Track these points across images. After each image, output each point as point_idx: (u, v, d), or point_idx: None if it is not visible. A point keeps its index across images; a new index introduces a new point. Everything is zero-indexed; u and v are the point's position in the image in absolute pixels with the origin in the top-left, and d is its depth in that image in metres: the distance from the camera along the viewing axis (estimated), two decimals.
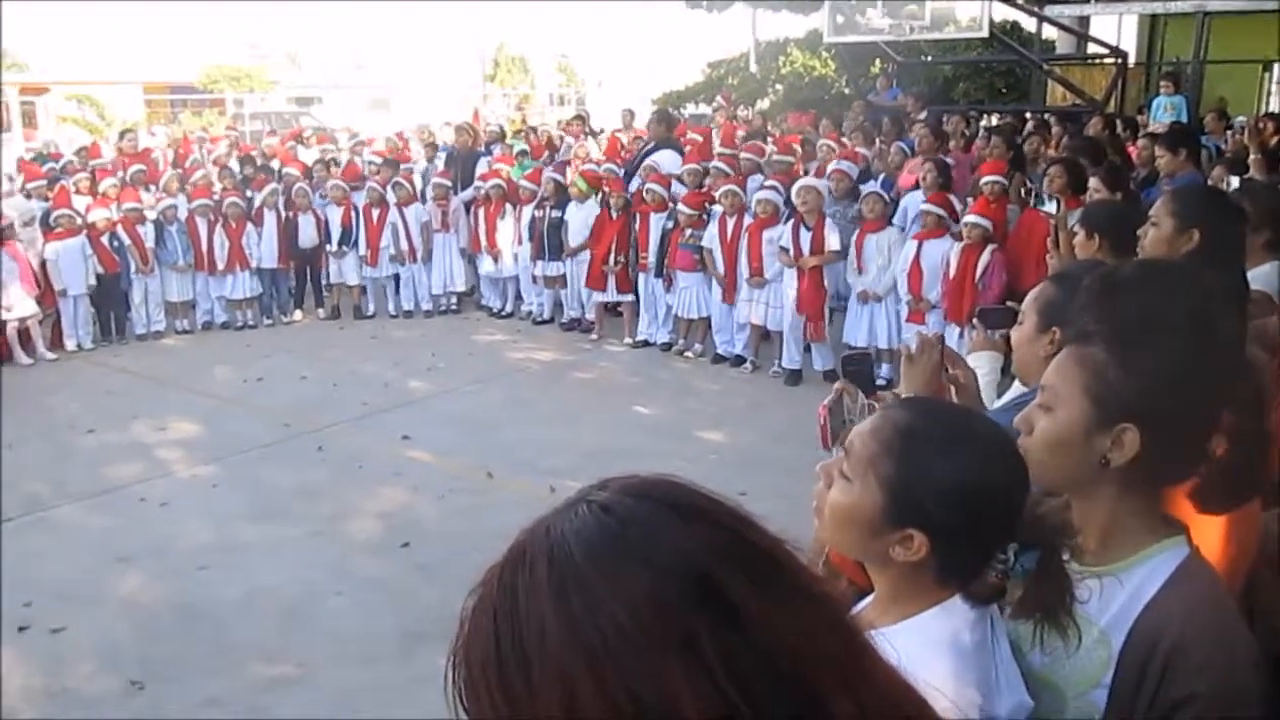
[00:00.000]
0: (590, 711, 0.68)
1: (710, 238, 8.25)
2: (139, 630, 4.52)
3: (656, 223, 8.72)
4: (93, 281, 9.07)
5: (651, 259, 8.76)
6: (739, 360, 8.38)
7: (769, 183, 8.34)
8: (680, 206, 8.44)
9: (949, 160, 8.59)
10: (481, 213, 9.96)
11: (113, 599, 4.80)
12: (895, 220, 7.93)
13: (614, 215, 8.99)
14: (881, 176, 8.78)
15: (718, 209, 8.30)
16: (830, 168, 8.39)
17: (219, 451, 6.65)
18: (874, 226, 7.63)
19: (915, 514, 1.29)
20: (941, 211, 7.29)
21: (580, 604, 0.71)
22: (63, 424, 7.25)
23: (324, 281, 10.39)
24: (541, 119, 20.52)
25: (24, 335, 8.76)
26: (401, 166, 10.62)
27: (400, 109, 28.94)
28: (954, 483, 1.28)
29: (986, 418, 1.56)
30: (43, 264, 8.80)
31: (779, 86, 19.94)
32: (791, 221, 7.76)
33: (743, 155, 9.24)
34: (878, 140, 10.19)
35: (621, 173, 9.46)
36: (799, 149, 9.69)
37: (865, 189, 8.32)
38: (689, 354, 8.69)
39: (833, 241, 7.63)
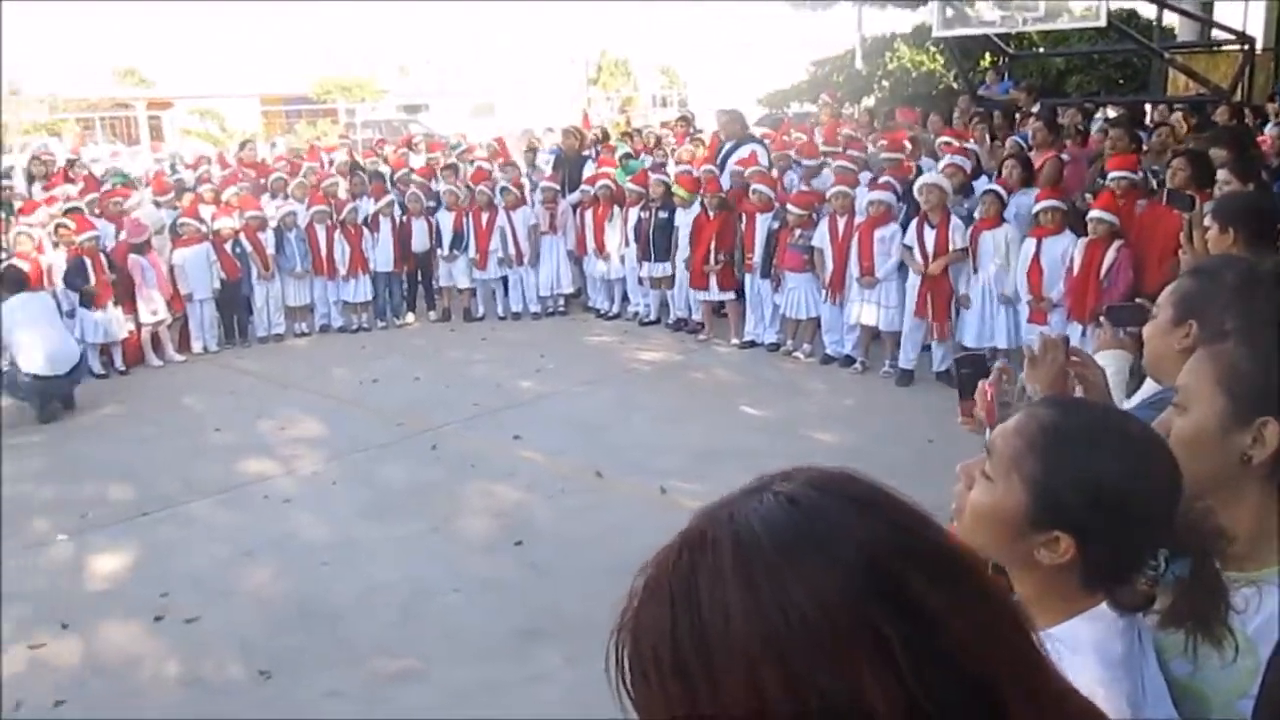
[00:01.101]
0: (777, 702, 0.68)
1: (821, 237, 8.17)
2: (265, 622, 4.68)
3: (762, 223, 8.67)
4: (217, 286, 9.45)
5: (757, 259, 8.72)
6: (848, 360, 8.28)
7: (883, 179, 8.23)
8: (790, 207, 8.37)
9: (1064, 155, 8.36)
10: (589, 215, 10.06)
11: (241, 591, 4.98)
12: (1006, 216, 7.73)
13: (710, 215, 8.99)
14: (995, 173, 8.56)
15: (827, 208, 8.23)
16: (943, 163, 8.21)
17: (337, 450, 6.85)
18: (989, 224, 7.44)
19: (1061, 515, 1.26)
20: (1064, 206, 7.08)
21: (768, 593, 0.70)
22: (193, 423, 7.56)
23: (435, 285, 10.62)
24: (645, 121, 20.58)
25: (155, 339, 9.17)
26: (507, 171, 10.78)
27: (505, 114, 29.39)
28: (1103, 483, 1.24)
29: (1136, 416, 1.51)
30: (170, 270, 9.20)
31: (885, 83, 19.62)
32: (915, 220, 7.64)
33: (849, 153, 9.14)
34: (987, 136, 9.97)
35: (718, 173, 9.47)
36: (909, 145, 9.52)
37: (977, 185, 8.14)
38: (798, 354, 8.61)
39: (958, 239, 7.48)
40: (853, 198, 8.11)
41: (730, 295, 9.11)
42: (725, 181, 9.32)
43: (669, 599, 0.73)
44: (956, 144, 9.17)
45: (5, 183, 10.20)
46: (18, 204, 9.77)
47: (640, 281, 9.91)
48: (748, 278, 8.93)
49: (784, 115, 18.39)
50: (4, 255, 8.56)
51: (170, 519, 5.87)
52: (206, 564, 5.26)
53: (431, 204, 10.46)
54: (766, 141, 10.24)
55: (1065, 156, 8.42)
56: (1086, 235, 6.85)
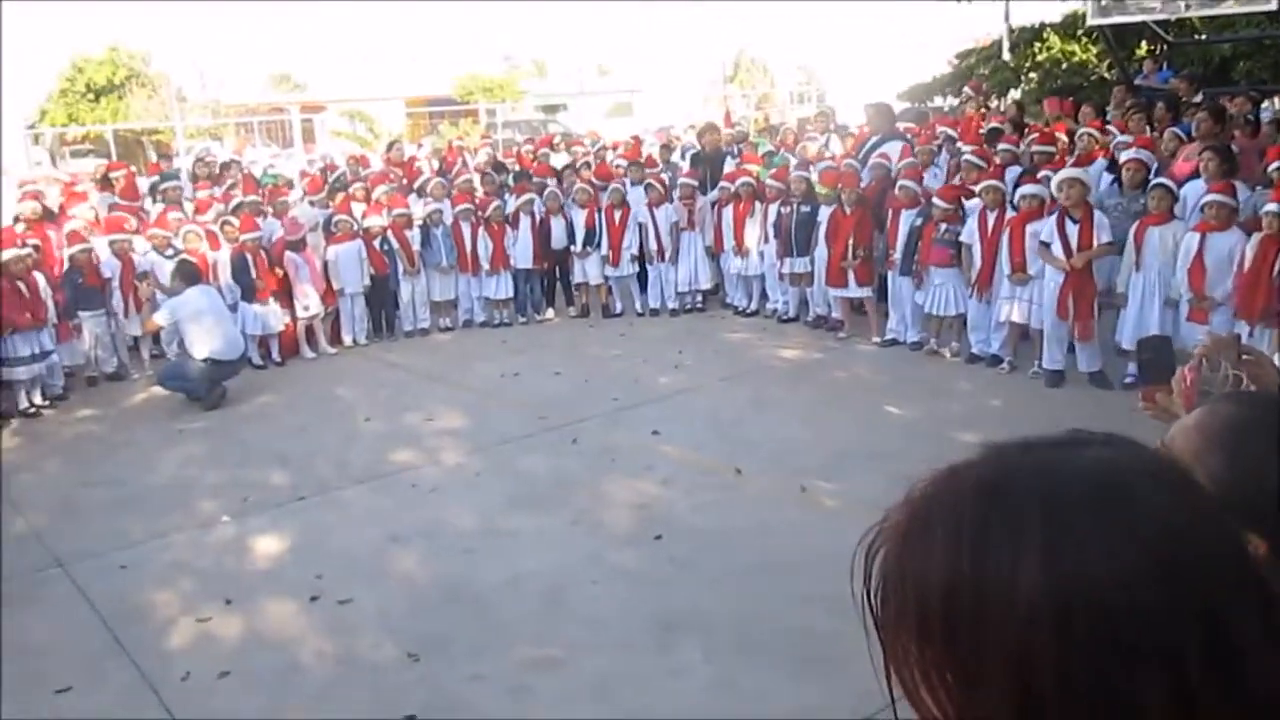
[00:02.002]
0: (1042, 673, 0.63)
1: (970, 233, 7.94)
2: (414, 606, 4.82)
3: (906, 219, 8.48)
4: (367, 282, 9.78)
5: (898, 256, 8.54)
6: (995, 360, 8.03)
7: (1043, 174, 7.94)
8: (936, 200, 8.17)
9: (1233, 146, 7.92)
10: (728, 211, 10.02)
11: (391, 575, 5.14)
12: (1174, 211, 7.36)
13: (847, 211, 8.84)
14: (1155, 165, 8.18)
15: (974, 203, 8.00)
16: (1124, 156, 7.83)
17: (481, 442, 7.00)
18: (1158, 219, 7.07)
19: (1249, 516, 1.18)
20: (1233, 202, 6.71)
21: (1067, 561, 0.64)
22: (344, 413, 7.85)
23: (571, 281, 10.77)
24: (782, 117, 20.40)
25: (309, 331, 9.57)
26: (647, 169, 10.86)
27: (642, 112, 29.59)
28: None
29: None
30: (324, 265, 9.57)
31: (1033, 75, 18.94)
32: (1056, 215, 7.36)
33: (1000, 147, 8.87)
34: (1146, 128, 9.53)
35: (859, 168, 9.31)
36: (1064, 138, 9.18)
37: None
38: (944, 352, 8.39)
39: (1103, 235, 7.16)
40: (1004, 192, 7.85)
41: (867, 292, 8.95)
42: (865, 176, 9.16)
43: (952, 540, 0.68)
44: (1099, 136, 8.82)
45: (174, 183, 10.80)
46: (188, 204, 10.33)
47: (780, 278, 9.82)
48: (889, 275, 8.76)
49: (928, 110, 17.95)
50: (172, 251, 9.06)
51: (324, 504, 6.11)
52: (358, 548, 5.45)
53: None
54: (911, 137, 10.02)
55: (1234, 148, 7.99)
56: (1259, 231, 6.47)
